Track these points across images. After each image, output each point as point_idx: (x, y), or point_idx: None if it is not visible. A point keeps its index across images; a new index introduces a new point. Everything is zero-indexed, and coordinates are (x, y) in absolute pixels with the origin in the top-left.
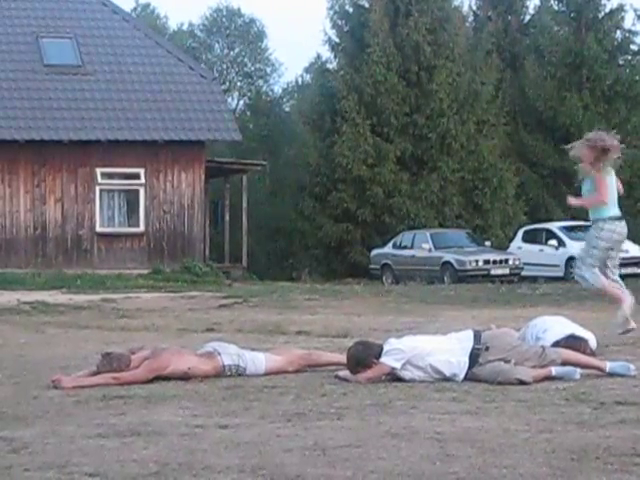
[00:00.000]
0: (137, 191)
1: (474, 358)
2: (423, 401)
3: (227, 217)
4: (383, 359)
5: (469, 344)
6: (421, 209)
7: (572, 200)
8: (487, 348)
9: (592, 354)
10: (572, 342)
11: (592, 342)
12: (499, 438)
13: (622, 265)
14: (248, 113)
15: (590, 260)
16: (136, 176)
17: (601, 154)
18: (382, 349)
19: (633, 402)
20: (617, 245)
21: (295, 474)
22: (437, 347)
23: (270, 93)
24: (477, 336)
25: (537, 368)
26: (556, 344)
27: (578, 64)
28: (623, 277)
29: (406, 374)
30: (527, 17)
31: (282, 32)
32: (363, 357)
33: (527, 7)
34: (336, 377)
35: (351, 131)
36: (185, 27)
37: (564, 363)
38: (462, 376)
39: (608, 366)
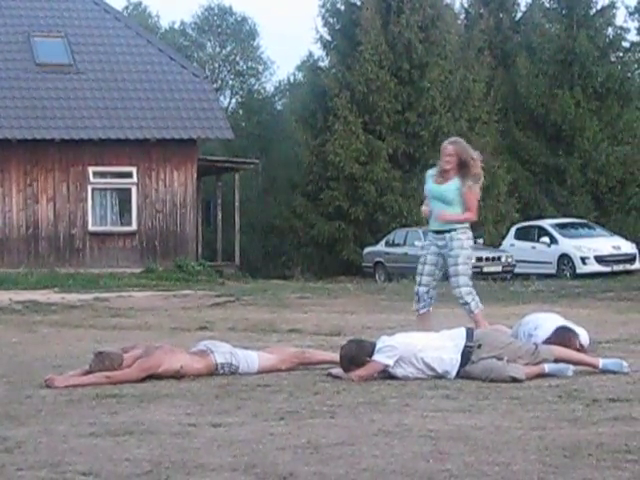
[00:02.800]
0: (129, 190)
1: (466, 356)
2: (416, 399)
3: (219, 215)
4: (376, 357)
5: (461, 342)
6: (413, 207)
7: None
8: (479, 346)
9: (582, 348)
10: (561, 333)
11: (584, 338)
12: (492, 435)
13: (614, 262)
14: (240, 111)
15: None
16: (128, 175)
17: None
18: (375, 347)
19: (626, 399)
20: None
21: (288, 472)
22: (429, 343)
23: (262, 91)
24: (469, 334)
25: (530, 365)
26: (548, 340)
27: (570, 61)
28: (616, 274)
29: (399, 371)
30: (519, 14)
31: (274, 30)
32: (356, 355)
33: (519, 4)
34: (329, 375)
35: (343, 129)
36: (177, 26)
37: (557, 360)
38: (454, 373)
39: (601, 363)
